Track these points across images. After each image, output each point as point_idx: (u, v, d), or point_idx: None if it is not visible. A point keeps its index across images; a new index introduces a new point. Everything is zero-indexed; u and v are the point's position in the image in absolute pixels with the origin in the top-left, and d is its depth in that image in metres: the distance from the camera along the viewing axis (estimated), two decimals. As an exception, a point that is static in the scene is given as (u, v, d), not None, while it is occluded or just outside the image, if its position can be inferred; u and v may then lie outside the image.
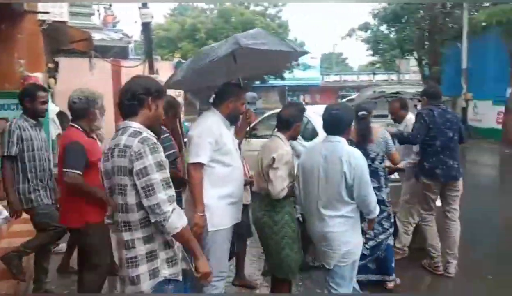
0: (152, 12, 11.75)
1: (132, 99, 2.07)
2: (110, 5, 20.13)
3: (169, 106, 3.47)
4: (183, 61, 16.21)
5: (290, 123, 3.19)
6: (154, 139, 2.02)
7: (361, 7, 51.27)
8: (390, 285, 4.01)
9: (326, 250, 2.88)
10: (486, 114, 17.22)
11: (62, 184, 3.24)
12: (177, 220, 1.96)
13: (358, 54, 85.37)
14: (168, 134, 3.38)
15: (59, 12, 7.29)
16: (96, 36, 13.60)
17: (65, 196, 3.24)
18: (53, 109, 6.11)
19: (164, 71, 13.59)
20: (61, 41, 8.60)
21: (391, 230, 4.08)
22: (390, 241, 4.08)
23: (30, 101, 3.65)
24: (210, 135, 3.00)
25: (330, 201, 2.83)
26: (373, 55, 21.08)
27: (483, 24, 12.91)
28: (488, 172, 11.38)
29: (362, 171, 2.78)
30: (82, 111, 3.18)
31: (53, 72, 8.60)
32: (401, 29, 18.25)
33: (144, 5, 11.48)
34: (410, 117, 4.64)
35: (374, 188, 3.03)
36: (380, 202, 3.47)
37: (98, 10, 17.54)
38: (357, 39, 19.86)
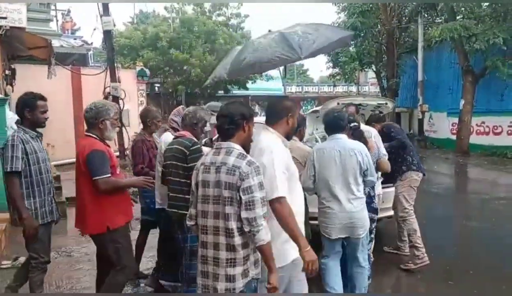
0: (113, 20, 11.60)
1: (231, 123, 2.48)
2: (69, 11, 19.67)
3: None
4: (145, 69, 16.03)
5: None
6: (257, 163, 2.41)
7: (322, 20, 52.27)
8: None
9: (355, 225, 3.52)
10: (440, 125, 17.99)
11: (81, 193, 3.29)
12: (265, 234, 2.33)
13: (319, 66, 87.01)
14: (198, 145, 3.58)
15: (17, 18, 7.07)
16: (55, 42, 13.23)
17: (86, 203, 3.27)
18: (11, 117, 5.88)
19: (125, 79, 13.39)
20: (18, 48, 8.32)
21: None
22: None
23: (30, 111, 3.48)
24: (282, 163, 2.69)
25: (346, 185, 3.52)
26: (333, 67, 21.58)
27: (437, 39, 13.52)
28: (443, 179, 11.87)
29: (369, 157, 3.61)
30: (92, 120, 3.31)
31: (10, 79, 8.29)
32: (360, 43, 18.81)
33: (106, 13, 11.30)
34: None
35: (369, 197, 3.92)
36: (374, 210, 4.09)
37: (56, 17, 17.06)
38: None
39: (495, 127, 15.07)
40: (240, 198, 2.33)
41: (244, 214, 2.32)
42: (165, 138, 4.06)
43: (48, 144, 12.52)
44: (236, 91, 31.33)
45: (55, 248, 5.75)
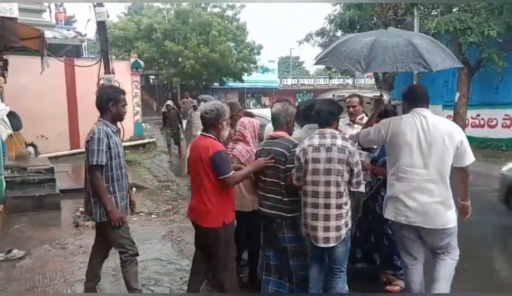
0: (107, 11, 11.46)
1: (330, 115, 3.37)
2: (62, 3, 19.43)
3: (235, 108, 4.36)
4: (140, 61, 15.90)
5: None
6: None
7: (318, 12, 52.24)
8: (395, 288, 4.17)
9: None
10: (435, 118, 17.98)
11: (203, 190, 3.42)
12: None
13: (314, 58, 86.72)
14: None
15: (8, 8, 6.95)
16: (48, 34, 13.07)
17: (206, 200, 3.41)
18: (3, 109, 5.82)
19: (120, 71, 13.26)
20: (10, 39, 8.18)
21: None
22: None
23: (114, 105, 3.52)
24: None
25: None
26: (329, 59, 21.48)
27: (433, 31, 13.48)
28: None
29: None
30: (213, 121, 3.45)
31: (2, 70, 8.18)
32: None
33: (100, 4, 11.16)
34: (363, 116, 4.76)
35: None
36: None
37: (49, 8, 16.85)
38: (314, 45, 20.20)
39: (490, 120, 15.12)
40: (351, 169, 3.24)
41: (355, 180, 3.29)
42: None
43: (42, 136, 12.46)
44: (231, 84, 31.30)
45: (49, 241, 5.74)
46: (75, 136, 13.77)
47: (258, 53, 30.36)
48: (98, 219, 3.52)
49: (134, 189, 8.71)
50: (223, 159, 3.37)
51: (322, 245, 3.27)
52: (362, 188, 3.54)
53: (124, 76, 14.27)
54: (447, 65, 3.55)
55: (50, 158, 10.18)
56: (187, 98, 17.05)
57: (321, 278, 3.48)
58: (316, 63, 4.01)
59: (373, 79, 21.13)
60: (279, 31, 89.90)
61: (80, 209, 7.22)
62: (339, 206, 3.24)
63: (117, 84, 11.45)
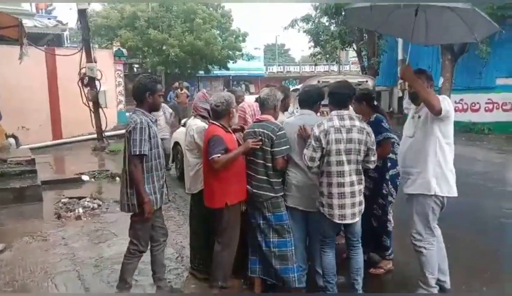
0: (89, -2, 11.24)
1: (348, 97, 3.57)
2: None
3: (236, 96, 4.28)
4: (122, 49, 15.65)
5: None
6: None
7: (303, -1, 51.87)
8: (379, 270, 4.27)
9: None
10: (420, 103, 18.07)
11: (207, 173, 3.69)
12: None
13: (300, 46, 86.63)
14: (284, 131, 3.72)
15: (-17, -4, 6.73)
16: (28, 22, 12.77)
17: (211, 182, 3.67)
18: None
19: (102, 59, 13.06)
20: (-13, 27, 7.97)
21: None
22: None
23: (151, 95, 3.51)
24: None
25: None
26: (314, 46, 21.42)
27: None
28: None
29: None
30: (225, 112, 3.68)
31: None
32: (341, 22, 18.66)
33: (80, -10, 10.92)
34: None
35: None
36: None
37: (29, -5, 16.43)
38: (299, 31, 20.09)
39: (473, 104, 15.26)
40: (368, 148, 3.47)
41: (373, 158, 3.52)
42: (196, 125, 4.00)
43: (23, 127, 12.23)
44: (217, 71, 31.03)
45: (30, 233, 5.64)
46: (57, 127, 13.55)
47: (244, 40, 30.10)
48: (137, 210, 3.47)
49: (117, 178, 8.61)
50: (215, 142, 3.54)
51: (349, 221, 3.46)
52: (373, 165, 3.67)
53: (107, 65, 14.06)
54: (488, 32, 3.78)
55: (31, 149, 10.01)
56: (181, 89, 16.15)
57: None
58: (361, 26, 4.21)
59: (359, 66, 21.11)
60: (264, 18, 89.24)
61: (63, 200, 7.13)
62: (359, 182, 3.48)
63: (99, 74, 11.35)
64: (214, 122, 3.73)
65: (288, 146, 3.66)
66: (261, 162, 3.68)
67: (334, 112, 3.53)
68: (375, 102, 4.32)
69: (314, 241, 3.79)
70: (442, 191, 3.48)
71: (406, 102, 3.89)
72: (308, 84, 5.57)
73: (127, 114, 9.16)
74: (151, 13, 25.82)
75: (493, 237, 5.42)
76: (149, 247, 3.78)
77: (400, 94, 18.22)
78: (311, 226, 3.77)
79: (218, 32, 28.26)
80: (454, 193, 3.52)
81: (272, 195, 3.66)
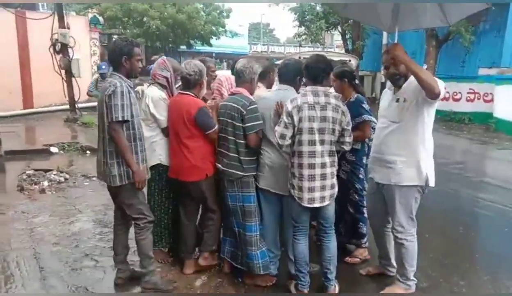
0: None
1: (323, 72, 3.25)
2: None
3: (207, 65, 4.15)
4: (98, 16, 14.99)
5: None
6: None
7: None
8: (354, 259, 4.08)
9: None
10: (402, 89, 18.03)
11: (180, 147, 3.55)
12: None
13: (285, 26, 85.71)
14: (256, 105, 3.49)
15: None
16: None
17: (188, 154, 3.52)
18: None
19: (76, 26, 12.44)
20: None
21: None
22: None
23: (128, 60, 3.23)
24: None
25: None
26: (299, 26, 21.08)
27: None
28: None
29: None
30: (196, 81, 3.55)
31: None
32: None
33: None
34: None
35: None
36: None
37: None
38: (284, 8, 19.71)
39: (455, 94, 15.24)
40: (343, 128, 3.22)
41: (348, 139, 3.28)
42: (152, 94, 3.70)
43: (-11, 93, 11.62)
44: (199, 47, 30.36)
45: (-12, 205, 5.29)
46: (28, 95, 12.96)
47: (228, 16, 29.49)
48: (118, 182, 3.18)
49: (88, 151, 8.24)
50: (207, 115, 3.47)
51: (317, 204, 3.21)
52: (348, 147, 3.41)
53: (81, 32, 13.45)
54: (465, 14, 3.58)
55: (1, 117, 9.50)
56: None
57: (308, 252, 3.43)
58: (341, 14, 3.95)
59: (343, 49, 20.89)
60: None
61: (28, 172, 6.75)
62: (332, 164, 3.24)
63: (72, 41, 10.78)
64: (188, 92, 3.55)
65: (260, 122, 3.41)
66: (232, 138, 3.45)
67: (308, 88, 3.25)
68: (357, 82, 4.05)
69: (287, 226, 3.55)
70: (431, 181, 3.27)
71: (389, 86, 3.61)
72: (288, 58, 5.31)
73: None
74: (133, -18, 24.88)
75: (467, 228, 5.34)
76: (112, 224, 3.56)
77: (383, 80, 18.13)
78: (284, 210, 3.53)
79: (201, 6, 27.53)
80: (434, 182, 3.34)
81: (242, 174, 3.43)
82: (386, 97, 3.49)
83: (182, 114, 3.47)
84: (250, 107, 3.37)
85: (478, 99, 14.90)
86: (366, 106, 3.86)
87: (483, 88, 14.50)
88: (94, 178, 6.66)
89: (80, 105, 11.65)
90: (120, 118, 3.07)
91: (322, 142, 3.17)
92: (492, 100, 14.06)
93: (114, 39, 3.42)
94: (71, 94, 11.06)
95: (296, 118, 3.13)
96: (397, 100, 3.30)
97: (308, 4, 18.82)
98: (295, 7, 18.92)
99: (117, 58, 3.22)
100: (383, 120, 3.42)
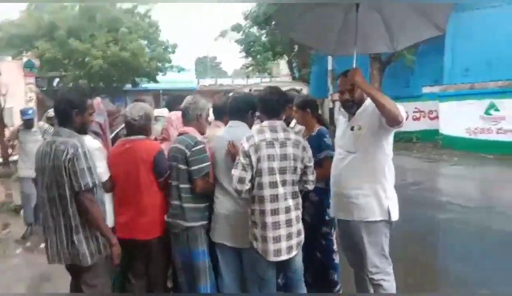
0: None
1: (280, 104, 2.98)
2: None
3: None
4: (33, 60, 14.23)
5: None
6: None
7: (233, 8, 52.23)
8: None
9: None
10: (350, 113, 18.31)
11: (133, 200, 3.11)
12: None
13: (232, 59, 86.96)
14: (203, 144, 3.19)
15: None
16: None
17: (146, 208, 3.11)
18: None
19: (8, 72, 11.65)
20: None
21: None
22: None
23: (79, 114, 2.80)
24: None
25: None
26: (246, 57, 21.16)
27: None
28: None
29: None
30: (143, 127, 3.20)
31: None
32: (271, 32, 18.52)
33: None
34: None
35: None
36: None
37: None
38: (230, 41, 19.73)
39: (404, 110, 15.61)
40: (306, 166, 2.91)
41: (311, 177, 2.96)
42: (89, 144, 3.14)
43: None
44: (145, 85, 29.71)
45: None
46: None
47: (173, 52, 29.12)
48: (90, 261, 2.68)
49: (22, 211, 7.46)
50: (166, 159, 3.15)
51: (284, 257, 2.84)
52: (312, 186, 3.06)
53: (15, 77, 12.63)
54: (415, 40, 3.42)
55: None
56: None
57: None
58: (284, 32, 3.69)
59: (290, 77, 21.11)
60: (195, 30, 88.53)
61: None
62: (297, 207, 2.93)
63: (3, 88, 10.03)
64: (140, 137, 3.18)
65: (207, 164, 3.05)
66: (175, 183, 3.10)
67: (265, 123, 2.93)
68: (320, 111, 3.76)
69: (250, 283, 3.09)
70: (394, 214, 2.98)
71: (338, 112, 3.36)
72: (237, 91, 4.99)
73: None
74: (72, 22, 24.13)
75: (429, 249, 5.16)
76: None
77: (331, 105, 18.34)
78: (245, 265, 3.09)
79: (145, 42, 27.09)
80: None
81: (186, 225, 3.04)
82: (341, 125, 3.22)
83: (137, 161, 3.10)
84: (195, 147, 3.03)
85: (424, 117, 15.32)
86: (328, 140, 3.53)
87: (427, 106, 14.95)
88: (28, 243, 5.97)
89: (14, 158, 10.71)
90: (91, 185, 2.65)
91: (284, 183, 2.85)
92: (437, 117, 14.48)
93: (61, 87, 2.91)
94: (4, 146, 10.19)
95: (254, 158, 2.80)
96: (352, 129, 3.04)
97: (254, 35, 18.94)
98: (241, 39, 18.99)
99: (66, 111, 2.76)
100: (339, 151, 3.14)
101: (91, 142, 3.09)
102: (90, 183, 2.63)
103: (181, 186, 3.06)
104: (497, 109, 12.34)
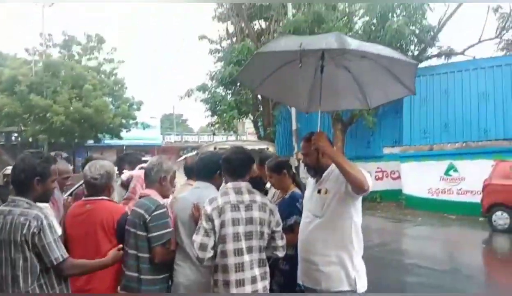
0: None
1: (245, 164, 2.81)
2: None
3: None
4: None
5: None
6: None
7: (199, 70, 53.31)
8: None
9: None
10: (315, 172, 18.44)
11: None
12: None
13: (198, 116, 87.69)
14: (164, 209, 2.99)
15: None
16: None
17: (99, 276, 2.81)
18: None
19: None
20: None
21: None
22: None
23: (41, 182, 2.48)
24: None
25: None
26: (212, 115, 21.27)
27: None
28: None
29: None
30: (103, 186, 3.00)
31: None
32: (237, 92, 18.80)
33: None
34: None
35: None
36: None
37: None
38: (196, 100, 19.81)
39: (370, 176, 15.84)
40: (273, 230, 2.73)
41: (280, 243, 2.76)
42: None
43: None
44: (108, 141, 29.22)
45: None
46: None
47: (138, 109, 29.07)
48: None
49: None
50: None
51: None
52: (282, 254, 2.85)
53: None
54: (388, 99, 3.32)
55: None
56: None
57: None
58: (253, 89, 3.58)
59: (255, 136, 21.27)
60: (160, 88, 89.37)
61: None
62: (264, 276, 2.70)
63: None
64: (103, 197, 2.98)
65: (169, 230, 2.82)
66: (133, 252, 2.81)
67: (230, 184, 2.75)
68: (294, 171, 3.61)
69: None
70: (363, 286, 2.79)
71: (303, 172, 3.24)
72: (204, 151, 4.83)
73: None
74: (34, 78, 23.79)
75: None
76: None
77: (296, 164, 18.42)
78: None
79: (110, 99, 26.92)
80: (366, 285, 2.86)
81: None
82: (310, 186, 3.09)
83: (97, 223, 2.87)
84: (155, 212, 2.78)
85: (387, 177, 15.56)
86: (300, 204, 3.29)
87: (389, 166, 15.23)
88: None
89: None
90: (60, 259, 2.37)
91: (249, 250, 2.63)
92: (399, 177, 14.72)
93: (22, 155, 2.58)
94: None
95: (217, 223, 2.59)
96: (319, 191, 2.89)
97: (220, 95, 19.13)
98: (207, 98, 19.10)
99: (26, 180, 2.46)
100: (307, 213, 2.97)
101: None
102: (60, 257, 2.36)
103: (140, 254, 2.80)
104: (456, 170, 12.70)
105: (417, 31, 14.82)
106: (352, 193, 2.70)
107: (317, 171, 2.97)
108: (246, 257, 2.61)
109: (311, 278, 2.85)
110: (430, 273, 6.71)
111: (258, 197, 2.74)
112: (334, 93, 3.27)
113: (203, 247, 2.56)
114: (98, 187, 2.96)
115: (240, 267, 2.60)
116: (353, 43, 2.62)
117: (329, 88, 3.15)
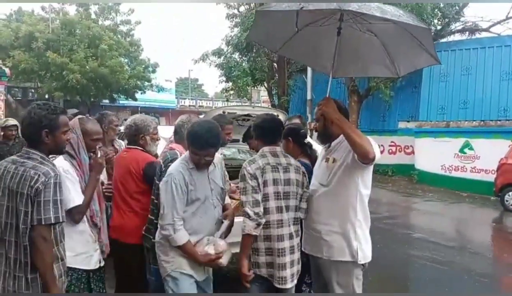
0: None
1: (278, 131, 2.99)
2: None
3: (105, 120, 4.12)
4: (4, 68, 13.78)
5: None
6: None
7: (215, 34, 52.67)
8: None
9: None
10: (328, 142, 18.37)
11: (123, 206, 3.30)
12: None
13: (213, 82, 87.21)
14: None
15: None
16: None
17: (134, 215, 3.26)
18: None
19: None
20: None
21: None
22: None
23: (50, 134, 2.37)
24: None
25: None
26: (226, 81, 21.11)
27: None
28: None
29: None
30: (132, 137, 3.41)
31: None
32: (252, 59, 18.57)
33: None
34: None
35: None
36: None
37: None
38: (211, 65, 19.63)
39: (378, 147, 15.73)
40: (304, 191, 2.88)
41: (304, 205, 2.88)
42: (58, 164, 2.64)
43: None
44: (123, 101, 29.33)
45: None
46: None
47: (154, 71, 28.96)
48: None
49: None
50: (155, 170, 3.14)
51: (289, 285, 2.78)
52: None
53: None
54: (416, 67, 3.20)
55: None
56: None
57: None
58: (276, 51, 3.53)
59: (269, 104, 21.12)
60: (177, 51, 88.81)
61: None
62: (297, 234, 2.88)
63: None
64: (132, 146, 3.42)
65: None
66: (153, 198, 3.09)
67: (266, 148, 2.88)
68: (306, 141, 3.49)
69: None
70: (365, 258, 2.77)
71: (315, 140, 3.22)
72: (214, 115, 4.79)
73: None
74: (51, 35, 23.72)
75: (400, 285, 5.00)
76: None
77: (309, 134, 18.32)
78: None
79: (126, 60, 26.83)
80: (370, 256, 2.84)
81: (154, 241, 2.94)
82: (320, 155, 3.06)
83: (128, 169, 3.26)
84: (170, 163, 2.91)
85: (400, 151, 15.44)
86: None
87: (403, 141, 15.08)
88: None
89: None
90: (53, 221, 2.23)
91: (287, 209, 2.80)
92: (412, 152, 14.59)
93: (29, 107, 2.46)
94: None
95: (260, 181, 2.74)
96: (327, 160, 2.85)
97: (235, 61, 18.93)
98: (221, 63, 18.92)
99: (34, 132, 2.37)
100: (313, 182, 2.96)
101: (61, 163, 2.69)
102: (52, 218, 2.22)
103: (156, 201, 2.99)
104: (471, 149, 12.52)
105: (441, 5, 14.34)
106: (358, 162, 2.64)
107: (325, 138, 2.94)
108: (285, 215, 2.78)
109: (314, 246, 2.88)
110: (437, 247, 6.71)
111: (292, 160, 2.91)
112: (359, 58, 3.17)
113: (256, 203, 2.70)
114: (130, 137, 3.41)
115: (280, 224, 2.76)
116: (370, 6, 2.50)
117: (353, 53, 3.10)
